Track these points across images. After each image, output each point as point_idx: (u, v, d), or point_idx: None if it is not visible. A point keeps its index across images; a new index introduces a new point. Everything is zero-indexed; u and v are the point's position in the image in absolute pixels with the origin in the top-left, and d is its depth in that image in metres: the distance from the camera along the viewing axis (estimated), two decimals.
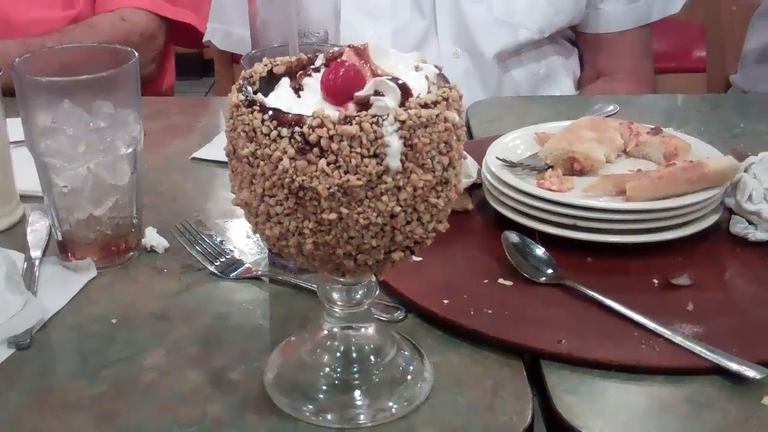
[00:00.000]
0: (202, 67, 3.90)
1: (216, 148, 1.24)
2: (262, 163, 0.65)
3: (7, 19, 1.62)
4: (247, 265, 0.96)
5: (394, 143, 0.63)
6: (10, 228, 1.05)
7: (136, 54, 0.93)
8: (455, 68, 1.56)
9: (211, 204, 1.12)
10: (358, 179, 0.63)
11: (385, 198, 0.64)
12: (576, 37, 1.74)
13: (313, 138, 0.62)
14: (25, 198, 1.09)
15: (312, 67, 0.72)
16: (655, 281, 0.92)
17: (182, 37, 1.82)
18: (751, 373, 0.76)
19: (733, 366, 0.77)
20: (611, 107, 1.35)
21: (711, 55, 2.26)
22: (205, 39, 1.71)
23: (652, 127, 1.10)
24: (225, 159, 0.70)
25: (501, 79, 1.61)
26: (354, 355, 0.78)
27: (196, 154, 1.25)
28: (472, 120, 1.35)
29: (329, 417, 0.75)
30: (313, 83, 0.69)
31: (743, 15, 2.03)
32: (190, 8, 1.76)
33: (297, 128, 0.63)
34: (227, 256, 0.98)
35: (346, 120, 0.62)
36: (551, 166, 1.04)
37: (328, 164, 0.63)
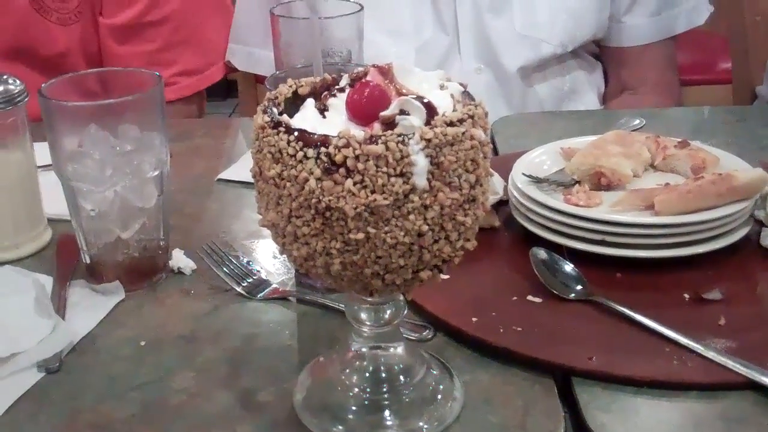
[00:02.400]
0: (226, 88, 3.92)
1: (241, 169, 1.24)
2: (288, 184, 0.65)
3: (33, 52, 1.62)
4: (274, 286, 0.96)
5: (421, 162, 0.63)
6: (39, 252, 1.06)
7: (162, 78, 0.93)
8: (478, 84, 1.56)
9: (238, 225, 1.12)
10: (385, 198, 0.63)
11: (412, 217, 0.64)
12: (600, 51, 1.73)
13: (339, 158, 0.62)
14: (53, 222, 1.09)
15: (337, 87, 0.72)
16: (686, 296, 0.91)
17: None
18: None
19: None
20: (637, 121, 1.34)
21: (736, 67, 2.25)
22: (226, 59, 1.71)
23: (680, 140, 1.10)
24: (250, 179, 0.70)
25: (525, 94, 1.61)
26: (383, 375, 0.77)
27: (221, 175, 1.25)
28: (497, 136, 1.35)
29: None
30: (338, 104, 0.69)
31: (767, 25, 2.02)
32: (218, 58, 1.73)
33: (323, 149, 0.63)
34: (254, 277, 0.98)
35: (372, 139, 0.62)
36: (578, 182, 1.04)
37: (355, 184, 0.63)
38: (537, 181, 1.03)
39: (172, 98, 1.62)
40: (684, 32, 1.68)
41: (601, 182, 1.03)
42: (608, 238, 0.95)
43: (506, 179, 1.06)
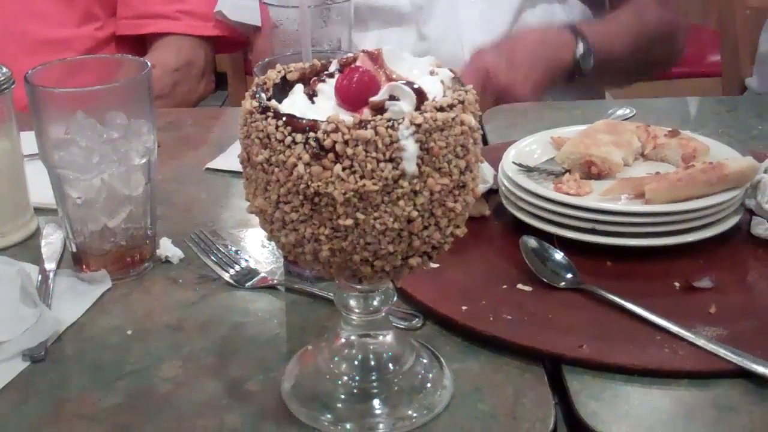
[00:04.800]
0: (216, 80, 3.91)
1: (230, 158, 1.23)
2: (276, 169, 0.64)
3: (22, 36, 1.62)
4: (262, 275, 0.96)
5: (410, 147, 0.62)
6: (25, 241, 1.05)
7: (149, 64, 0.92)
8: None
9: (226, 214, 1.12)
10: (374, 184, 0.62)
11: (401, 203, 0.63)
12: None
13: (327, 143, 0.62)
14: (39, 210, 1.08)
15: (326, 72, 0.71)
16: (677, 284, 0.90)
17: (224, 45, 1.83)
18: None
19: (759, 368, 0.76)
20: (627, 110, 1.34)
21: (726, 59, 2.25)
22: (216, 10, 1.70)
23: (670, 129, 1.09)
24: (239, 169, 0.70)
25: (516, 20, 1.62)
26: (372, 363, 0.77)
27: (210, 165, 1.25)
28: (487, 126, 1.34)
29: (348, 426, 0.74)
30: (327, 89, 0.69)
31: (757, 18, 2.02)
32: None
33: (311, 134, 0.62)
34: (242, 266, 0.97)
35: (361, 124, 0.62)
36: (568, 170, 1.03)
37: (344, 169, 0.62)
38: (527, 169, 1.03)
39: (178, 31, 1.66)
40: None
41: (591, 171, 1.03)
42: (598, 227, 0.94)
43: (497, 168, 1.06)
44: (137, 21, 1.71)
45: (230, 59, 2.63)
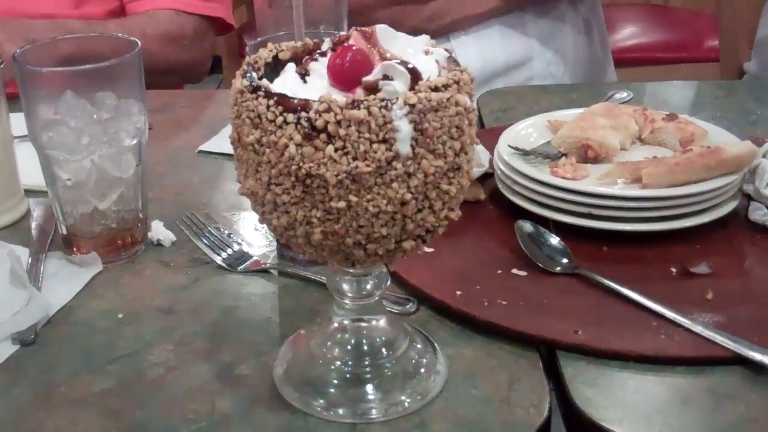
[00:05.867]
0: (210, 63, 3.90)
1: (222, 140, 1.22)
2: (267, 150, 0.63)
3: (14, 14, 1.60)
4: (255, 258, 0.94)
5: (404, 128, 0.61)
6: (15, 223, 1.04)
7: (139, 43, 0.91)
8: None
9: (219, 196, 1.10)
10: (367, 165, 0.61)
11: (395, 185, 0.62)
12: None
13: (319, 123, 0.60)
14: (29, 193, 1.07)
15: (318, 51, 0.70)
16: (673, 270, 0.89)
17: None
18: None
19: (756, 355, 0.75)
20: (625, 94, 1.33)
21: (724, 44, 2.24)
22: None
23: (668, 113, 1.08)
24: (232, 151, 0.68)
25: None
26: (365, 348, 0.76)
27: (202, 147, 1.23)
28: (483, 109, 1.33)
29: (341, 411, 0.73)
30: (319, 68, 0.67)
31: (756, 2, 2.01)
32: (219, 2, 1.74)
33: (303, 113, 0.61)
34: (235, 249, 0.96)
35: (354, 104, 0.60)
36: (565, 154, 1.02)
37: (336, 150, 0.61)
38: (523, 153, 1.02)
39: (174, 7, 1.65)
40: (672, 10, 1.67)
41: (588, 155, 1.02)
42: (595, 211, 0.93)
43: (492, 152, 1.04)
44: (140, 1, 1.70)
45: (225, 42, 2.61)
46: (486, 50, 1.62)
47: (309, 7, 0.96)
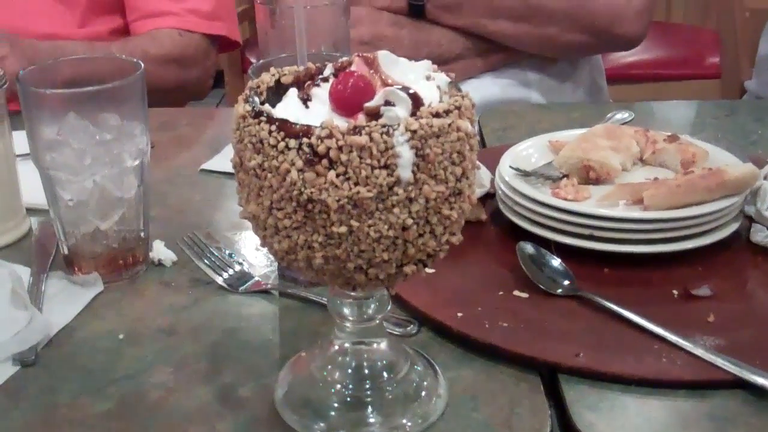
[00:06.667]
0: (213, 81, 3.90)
1: (225, 159, 1.22)
2: (269, 175, 0.63)
3: (20, 33, 1.61)
4: (256, 279, 0.94)
5: (406, 154, 0.61)
6: (17, 242, 1.04)
7: (142, 65, 0.91)
8: None
9: (220, 216, 1.10)
10: (369, 191, 0.61)
11: (396, 210, 0.62)
12: None
13: (321, 149, 0.61)
14: (31, 211, 1.07)
15: (320, 77, 0.70)
16: (675, 292, 0.89)
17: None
18: None
19: (758, 379, 0.75)
20: (626, 114, 1.33)
21: (725, 61, 2.25)
22: None
23: (669, 134, 1.08)
24: (233, 170, 0.69)
25: None
26: (366, 371, 0.76)
27: (204, 166, 1.24)
28: (484, 128, 1.33)
29: None
30: (321, 93, 0.67)
31: (757, 21, 2.01)
32: (224, 20, 1.75)
33: (305, 139, 0.61)
34: (236, 269, 0.96)
35: (356, 130, 0.61)
36: (566, 175, 1.02)
37: (338, 176, 0.61)
38: (524, 174, 1.02)
39: (178, 26, 1.66)
40: (674, 27, 1.66)
41: (589, 176, 1.02)
42: (596, 233, 0.93)
43: (493, 172, 1.05)
44: (144, 21, 1.70)
45: (228, 57, 2.62)
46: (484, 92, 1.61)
47: (312, 28, 0.97)
